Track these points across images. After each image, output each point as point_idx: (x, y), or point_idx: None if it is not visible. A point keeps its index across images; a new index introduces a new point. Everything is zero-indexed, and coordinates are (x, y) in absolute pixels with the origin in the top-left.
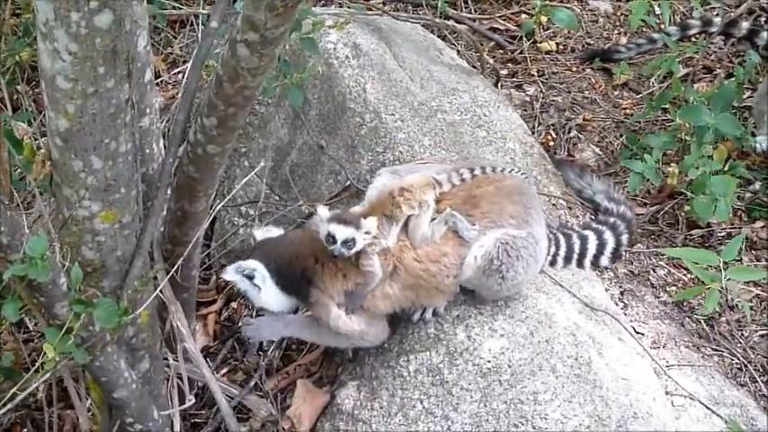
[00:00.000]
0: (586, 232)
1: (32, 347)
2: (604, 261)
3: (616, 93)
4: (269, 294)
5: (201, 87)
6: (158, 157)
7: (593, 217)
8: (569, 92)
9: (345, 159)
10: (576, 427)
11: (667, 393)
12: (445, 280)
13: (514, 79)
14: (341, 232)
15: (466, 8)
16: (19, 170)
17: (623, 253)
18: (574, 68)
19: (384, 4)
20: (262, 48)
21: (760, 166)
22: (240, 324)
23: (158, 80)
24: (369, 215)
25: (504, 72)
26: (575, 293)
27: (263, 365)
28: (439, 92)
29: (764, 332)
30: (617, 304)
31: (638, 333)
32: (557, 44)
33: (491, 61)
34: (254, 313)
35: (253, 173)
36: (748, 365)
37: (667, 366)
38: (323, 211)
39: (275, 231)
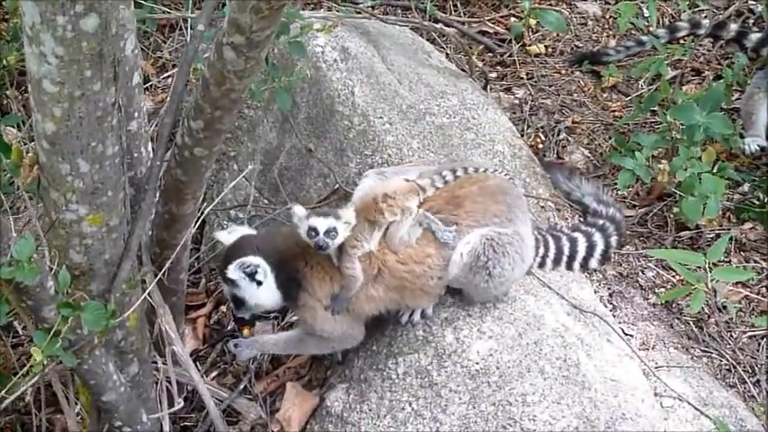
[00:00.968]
0: (576, 234)
1: (22, 351)
2: (593, 263)
3: (605, 95)
4: (267, 290)
5: (189, 90)
6: (147, 161)
7: (581, 219)
8: (558, 94)
9: (334, 162)
10: (565, 429)
11: (656, 394)
12: (429, 281)
13: (503, 82)
14: (321, 223)
15: (455, 11)
16: (8, 174)
17: (612, 255)
18: (563, 71)
19: (372, 7)
20: (248, 50)
21: (748, 167)
22: (228, 343)
23: (148, 84)
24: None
25: (494, 75)
26: (563, 295)
27: (253, 369)
28: (427, 95)
29: (753, 333)
30: (606, 306)
31: (626, 334)
32: (546, 47)
33: (480, 64)
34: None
35: (241, 176)
36: (737, 367)
37: (656, 368)
38: (300, 210)
39: (240, 230)
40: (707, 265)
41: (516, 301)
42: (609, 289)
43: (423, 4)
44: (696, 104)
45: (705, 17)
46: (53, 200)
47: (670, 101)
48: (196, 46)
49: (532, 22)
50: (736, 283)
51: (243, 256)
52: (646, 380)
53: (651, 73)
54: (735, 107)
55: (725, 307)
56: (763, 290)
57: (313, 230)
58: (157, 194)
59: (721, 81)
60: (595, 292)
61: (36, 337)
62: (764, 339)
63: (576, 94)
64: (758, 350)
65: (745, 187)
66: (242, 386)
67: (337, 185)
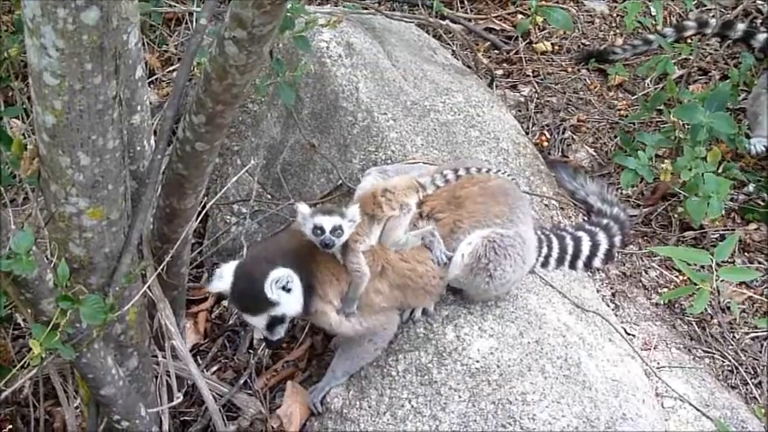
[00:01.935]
0: (579, 233)
1: (22, 344)
2: (597, 263)
3: (611, 94)
4: (297, 298)
5: (192, 85)
6: (149, 155)
7: (585, 218)
8: (564, 92)
9: (337, 158)
10: (565, 428)
11: (657, 395)
12: (432, 281)
13: (509, 80)
14: (327, 222)
15: (461, 8)
16: (9, 167)
17: (616, 254)
18: (569, 69)
19: (379, 3)
20: (250, 45)
21: (754, 168)
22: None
23: (153, 78)
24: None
25: (499, 72)
26: (565, 294)
27: (253, 364)
28: (432, 91)
29: (756, 334)
30: (608, 305)
31: (628, 334)
32: (552, 45)
33: (486, 61)
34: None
35: (244, 170)
36: (739, 368)
37: (658, 368)
38: (304, 208)
39: (228, 267)
40: (714, 265)
41: (518, 300)
42: (611, 288)
43: (429, 0)
44: (701, 104)
45: (712, 16)
46: (53, 193)
47: (676, 100)
48: (199, 40)
49: (539, 19)
50: (740, 283)
51: (269, 274)
52: (647, 380)
53: (657, 72)
54: (741, 107)
55: (728, 308)
56: (767, 291)
57: (319, 229)
58: (159, 188)
59: (728, 81)
60: (598, 292)
61: (35, 329)
62: (767, 341)
63: (581, 93)
64: (761, 352)
65: (751, 188)
66: (242, 381)
67: (340, 181)
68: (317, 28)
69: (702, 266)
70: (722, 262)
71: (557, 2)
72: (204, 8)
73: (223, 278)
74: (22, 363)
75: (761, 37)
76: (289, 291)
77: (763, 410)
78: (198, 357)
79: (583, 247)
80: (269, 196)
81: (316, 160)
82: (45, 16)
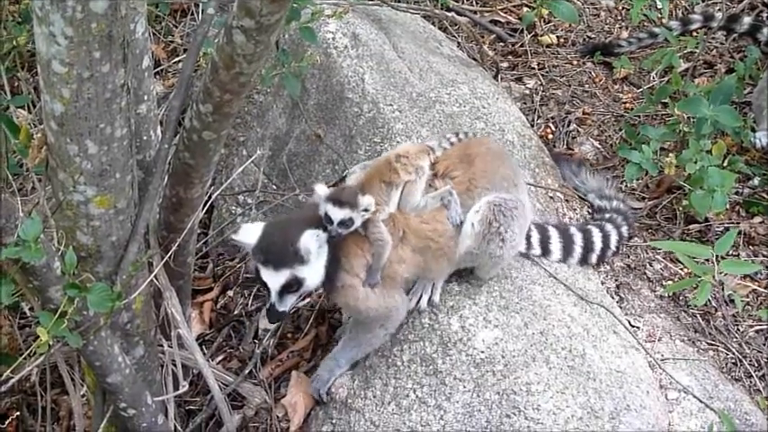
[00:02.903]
0: (589, 227)
1: (28, 332)
2: (609, 254)
3: (616, 87)
4: (321, 266)
5: (199, 75)
6: (156, 144)
7: (590, 211)
8: (569, 85)
9: (343, 149)
10: (569, 419)
11: (661, 387)
12: (450, 241)
13: (515, 72)
14: (337, 213)
15: (467, 0)
16: (17, 155)
17: (620, 246)
18: (574, 62)
19: None
20: (257, 34)
21: (759, 161)
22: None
23: (159, 68)
24: (366, 185)
25: (505, 65)
26: (570, 286)
27: (258, 353)
28: (437, 83)
29: (760, 327)
30: (613, 297)
31: (633, 326)
32: (557, 37)
33: (491, 53)
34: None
35: (250, 161)
36: (743, 360)
37: (662, 360)
38: (321, 190)
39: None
40: (714, 258)
41: (522, 291)
42: (616, 280)
43: None
44: (706, 97)
45: (718, 10)
46: (61, 181)
47: (681, 93)
48: (205, 30)
49: (545, 12)
50: (744, 276)
51: (305, 230)
52: (651, 372)
53: (663, 65)
54: (747, 101)
55: (732, 300)
56: None
57: (328, 219)
58: (165, 178)
59: (733, 74)
60: (602, 284)
61: (42, 317)
62: None
63: (587, 86)
64: (764, 344)
65: (755, 181)
66: (247, 371)
67: (345, 173)
68: (323, 19)
69: (707, 259)
70: (727, 255)
71: None
72: None
73: (250, 232)
74: (29, 350)
75: (766, 30)
76: (318, 254)
77: (766, 402)
78: (203, 347)
79: (595, 240)
80: (274, 187)
81: (321, 151)
82: (54, 4)
